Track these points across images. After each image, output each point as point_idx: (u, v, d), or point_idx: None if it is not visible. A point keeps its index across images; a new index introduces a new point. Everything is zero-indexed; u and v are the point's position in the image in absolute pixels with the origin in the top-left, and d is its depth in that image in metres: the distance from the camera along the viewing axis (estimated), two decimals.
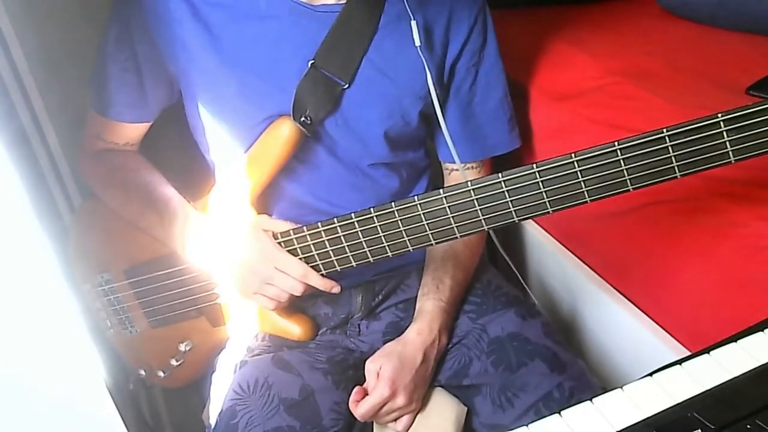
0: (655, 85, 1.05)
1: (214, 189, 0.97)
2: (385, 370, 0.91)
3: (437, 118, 0.91)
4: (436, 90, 0.90)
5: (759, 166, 0.89)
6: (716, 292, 0.89)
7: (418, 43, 0.88)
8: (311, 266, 0.88)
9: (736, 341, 0.60)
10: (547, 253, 1.19)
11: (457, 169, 1.01)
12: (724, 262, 0.87)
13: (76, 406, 0.70)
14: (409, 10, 0.87)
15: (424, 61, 0.89)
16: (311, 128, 0.89)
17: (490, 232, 0.99)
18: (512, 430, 0.57)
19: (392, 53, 0.90)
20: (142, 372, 1.06)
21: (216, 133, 0.94)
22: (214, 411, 0.93)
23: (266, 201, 0.95)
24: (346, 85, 0.89)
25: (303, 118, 0.88)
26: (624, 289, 1.05)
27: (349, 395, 0.92)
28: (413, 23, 0.87)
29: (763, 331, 0.61)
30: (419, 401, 0.94)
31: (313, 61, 0.87)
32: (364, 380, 0.93)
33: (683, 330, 0.95)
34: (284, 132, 0.88)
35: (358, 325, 1.03)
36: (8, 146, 0.67)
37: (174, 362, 1.03)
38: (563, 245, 1.16)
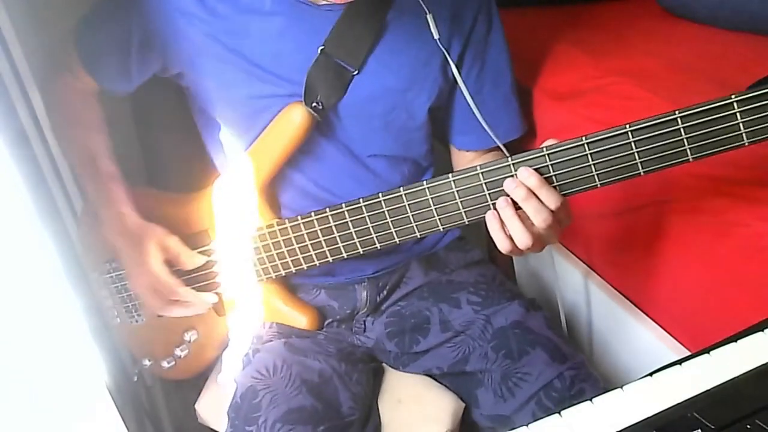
0: (655, 85, 1.05)
1: (222, 176, 0.97)
2: None
3: (467, 102, 0.92)
4: (460, 76, 0.92)
5: (759, 166, 0.89)
6: (716, 292, 0.89)
7: (436, 35, 0.89)
8: (329, 249, 0.88)
9: (736, 341, 0.60)
10: (546, 252, 1.19)
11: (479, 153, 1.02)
12: (724, 262, 0.87)
13: (76, 405, 0.70)
14: (423, 5, 0.88)
15: (445, 52, 0.90)
16: (323, 113, 0.89)
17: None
18: (513, 427, 0.57)
19: (400, 48, 0.91)
20: (147, 362, 1.05)
21: (224, 120, 0.94)
22: (229, 399, 0.93)
23: (271, 190, 0.95)
24: (356, 71, 0.90)
25: (315, 104, 0.89)
26: (624, 289, 1.05)
27: (362, 388, 0.93)
28: (429, 17, 0.89)
29: (763, 331, 0.61)
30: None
31: (323, 47, 0.88)
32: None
33: (683, 330, 0.95)
34: (296, 117, 0.89)
35: (364, 321, 1.04)
36: (8, 146, 0.67)
37: (179, 352, 1.03)
38: (563, 245, 1.16)
